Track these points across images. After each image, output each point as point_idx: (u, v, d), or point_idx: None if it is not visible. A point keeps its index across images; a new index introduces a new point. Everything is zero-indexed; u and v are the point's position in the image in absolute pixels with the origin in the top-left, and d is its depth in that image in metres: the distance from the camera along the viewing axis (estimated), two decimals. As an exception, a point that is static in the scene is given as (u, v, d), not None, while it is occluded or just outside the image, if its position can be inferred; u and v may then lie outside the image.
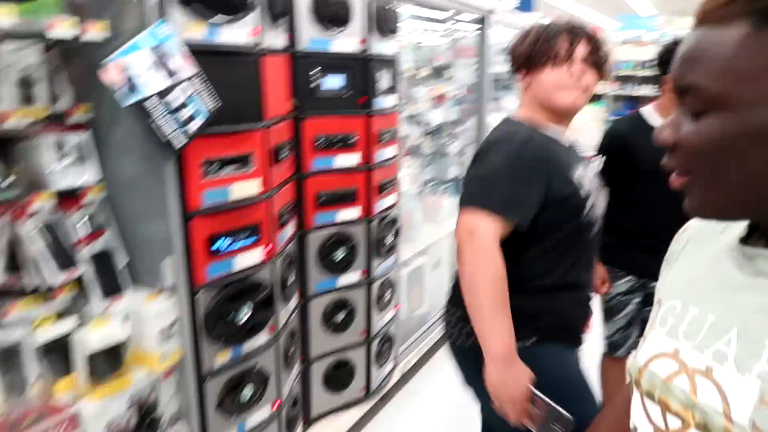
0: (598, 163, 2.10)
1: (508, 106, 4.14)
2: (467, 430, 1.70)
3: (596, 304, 1.61)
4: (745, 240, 0.58)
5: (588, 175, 1.37)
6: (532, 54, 1.32)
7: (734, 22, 0.51)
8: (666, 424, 0.57)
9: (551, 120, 1.36)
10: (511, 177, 1.25)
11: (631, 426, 0.63)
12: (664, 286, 0.67)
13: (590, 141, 2.52)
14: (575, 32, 1.31)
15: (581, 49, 1.30)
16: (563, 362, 1.35)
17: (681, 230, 0.72)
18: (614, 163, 2.06)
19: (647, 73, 7.21)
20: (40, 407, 1.27)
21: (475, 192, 1.27)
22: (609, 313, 2.22)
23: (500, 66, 3.77)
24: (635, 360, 0.63)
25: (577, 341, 1.42)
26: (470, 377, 1.42)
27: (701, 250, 0.65)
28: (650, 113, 2.08)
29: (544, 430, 1.19)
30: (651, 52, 2.12)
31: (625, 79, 7.41)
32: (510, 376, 1.19)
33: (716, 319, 0.56)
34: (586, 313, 1.44)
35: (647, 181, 1.98)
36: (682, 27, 7.03)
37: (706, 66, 0.52)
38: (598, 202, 1.36)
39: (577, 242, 1.34)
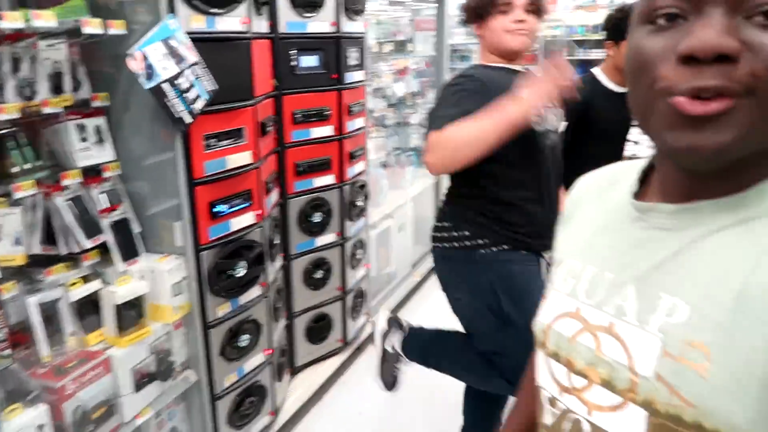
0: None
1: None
2: (432, 376, 2.01)
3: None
4: (637, 195, 0.57)
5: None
6: (480, 6, 1.59)
7: None
8: (571, 383, 0.56)
9: (505, 62, 1.62)
10: (450, 101, 1.53)
11: (537, 385, 0.62)
12: (562, 246, 0.67)
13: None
14: None
15: None
16: (528, 270, 1.64)
17: (572, 189, 0.71)
18: (574, 125, 2.13)
19: (599, 37, 7.49)
20: (78, 354, 1.47)
21: (427, 124, 1.55)
22: None
23: (458, 37, 3.97)
24: (539, 321, 0.63)
25: (545, 249, 1.69)
26: (448, 282, 1.73)
27: (595, 207, 0.64)
28: (602, 75, 2.22)
29: None
30: (603, 17, 2.30)
31: (578, 44, 7.58)
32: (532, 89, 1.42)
33: (614, 276, 0.55)
34: (552, 227, 1.70)
35: (601, 141, 2.15)
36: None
37: None
38: (545, 122, 1.59)
39: (531, 160, 1.60)
